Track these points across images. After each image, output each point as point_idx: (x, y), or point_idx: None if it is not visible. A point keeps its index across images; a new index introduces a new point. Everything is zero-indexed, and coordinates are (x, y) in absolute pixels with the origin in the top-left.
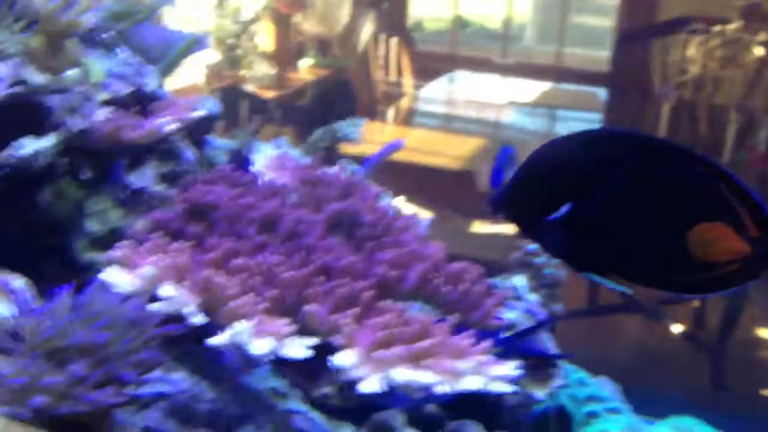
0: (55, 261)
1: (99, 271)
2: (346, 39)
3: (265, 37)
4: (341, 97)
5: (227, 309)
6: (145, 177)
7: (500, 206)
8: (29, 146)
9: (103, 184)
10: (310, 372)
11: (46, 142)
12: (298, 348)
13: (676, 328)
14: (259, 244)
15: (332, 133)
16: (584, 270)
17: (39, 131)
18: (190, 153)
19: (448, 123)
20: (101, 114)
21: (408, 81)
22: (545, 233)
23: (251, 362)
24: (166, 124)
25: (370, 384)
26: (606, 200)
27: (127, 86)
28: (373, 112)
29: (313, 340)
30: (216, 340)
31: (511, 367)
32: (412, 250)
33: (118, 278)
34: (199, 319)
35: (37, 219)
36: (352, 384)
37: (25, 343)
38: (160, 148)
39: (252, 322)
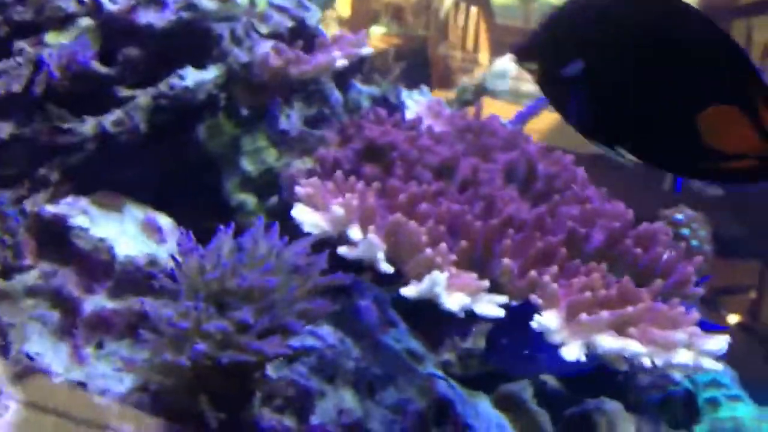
0: (203, 201)
1: (248, 214)
2: (421, 7)
3: (342, 3)
4: (413, 66)
5: (420, 258)
6: (293, 118)
7: (521, 55)
8: (191, 77)
9: (259, 121)
10: (433, 337)
11: (209, 73)
12: (491, 306)
13: (732, 319)
14: (437, 190)
15: (479, 84)
16: (592, 136)
17: (203, 61)
18: (337, 96)
19: (521, 98)
20: (266, 47)
21: (484, 53)
22: (556, 89)
23: (390, 321)
24: (338, 58)
25: (572, 350)
26: (618, 61)
27: (288, 20)
28: (447, 83)
29: (504, 298)
30: (409, 291)
31: (722, 342)
32: (598, 208)
33: (306, 217)
34: (386, 267)
35: (191, 155)
36: (473, 352)
37: (186, 285)
38: (308, 89)
39: (446, 274)
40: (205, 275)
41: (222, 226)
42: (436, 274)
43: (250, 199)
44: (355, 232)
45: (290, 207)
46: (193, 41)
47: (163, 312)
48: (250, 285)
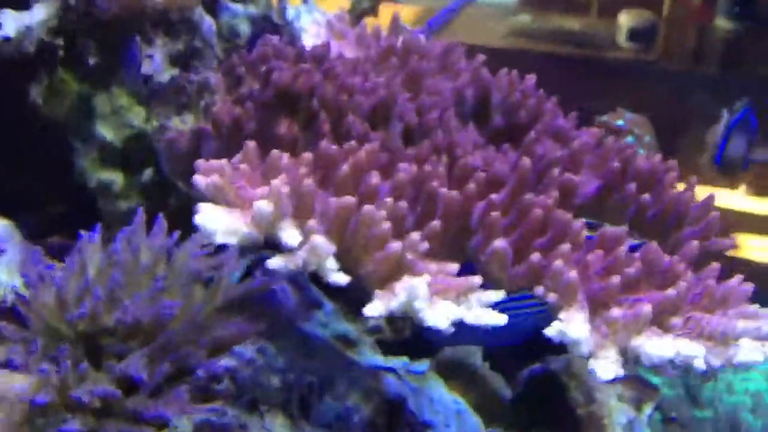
0: (51, 187)
1: (116, 197)
2: None
3: None
4: None
5: (384, 256)
6: (156, 58)
7: None
8: (11, 23)
9: (115, 71)
10: (355, 301)
11: (37, 14)
12: (488, 313)
13: None
14: (382, 146)
15: None
16: None
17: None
18: (208, 22)
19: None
20: None
21: None
22: None
23: (312, 302)
24: None
25: (607, 367)
26: None
27: None
28: None
29: (500, 294)
30: (375, 310)
31: None
32: (585, 143)
33: (217, 222)
34: (340, 277)
35: (26, 128)
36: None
37: (40, 330)
38: (170, 18)
39: (425, 277)
40: (68, 313)
41: (83, 232)
42: (413, 282)
43: (116, 177)
44: (290, 234)
45: (171, 182)
46: None
47: (12, 384)
48: (135, 318)
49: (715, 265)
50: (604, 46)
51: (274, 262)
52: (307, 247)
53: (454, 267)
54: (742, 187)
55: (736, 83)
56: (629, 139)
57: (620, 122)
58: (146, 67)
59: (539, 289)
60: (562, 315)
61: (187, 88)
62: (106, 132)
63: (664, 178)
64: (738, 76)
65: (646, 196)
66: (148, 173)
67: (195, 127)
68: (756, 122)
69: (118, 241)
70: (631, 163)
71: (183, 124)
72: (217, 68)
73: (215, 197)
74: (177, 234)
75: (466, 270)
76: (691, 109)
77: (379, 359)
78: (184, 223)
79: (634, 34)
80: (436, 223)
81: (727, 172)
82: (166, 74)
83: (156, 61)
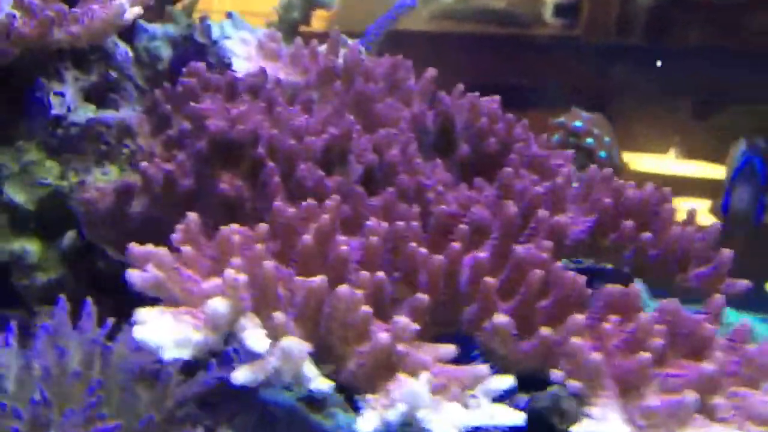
0: None
1: (32, 269)
2: None
3: None
4: None
5: (371, 350)
6: (68, 95)
7: None
8: None
9: (19, 120)
10: None
11: None
12: (505, 412)
13: None
14: (342, 195)
15: None
16: None
17: None
18: (123, 49)
19: None
20: (5, 5)
21: None
22: None
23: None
24: (126, 7)
25: None
26: None
27: None
28: None
29: (509, 380)
30: (370, 424)
31: None
32: (568, 176)
33: (164, 334)
34: (322, 384)
35: None
36: None
37: None
38: (80, 50)
39: (424, 377)
40: None
41: None
42: (413, 387)
43: (30, 247)
44: (256, 338)
45: (95, 247)
46: None
47: None
48: None
49: (746, 324)
50: (529, 23)
51: (241, 376)
52: (278, 352)
53: (450, 351)
54: (672, 152)
55: (661, 53)
56: (589, 141)
57: (578, 123)
58: (57, 107)
59: (556, 375)
60: (592, 410)
61: (105, 134)
62: (14, 194)
63: (660, 211)
64: (663, 47)
65: (647, 234)
66: (69, 237)
67: (119, 184)
68: (763, 168)
69: (40, 341)
70: (622, 195)
71: (105, 176)
72: (137, 99)
73: (157, 294)
74: (109, 323)
75: (457, 341)
76: (618, 81)
77: (351, 420)
78: (117, 292)
79: (559, 10)
80: (423, 298)
81: (736, 227)
82: (80, 113)
83: (68, 98)
